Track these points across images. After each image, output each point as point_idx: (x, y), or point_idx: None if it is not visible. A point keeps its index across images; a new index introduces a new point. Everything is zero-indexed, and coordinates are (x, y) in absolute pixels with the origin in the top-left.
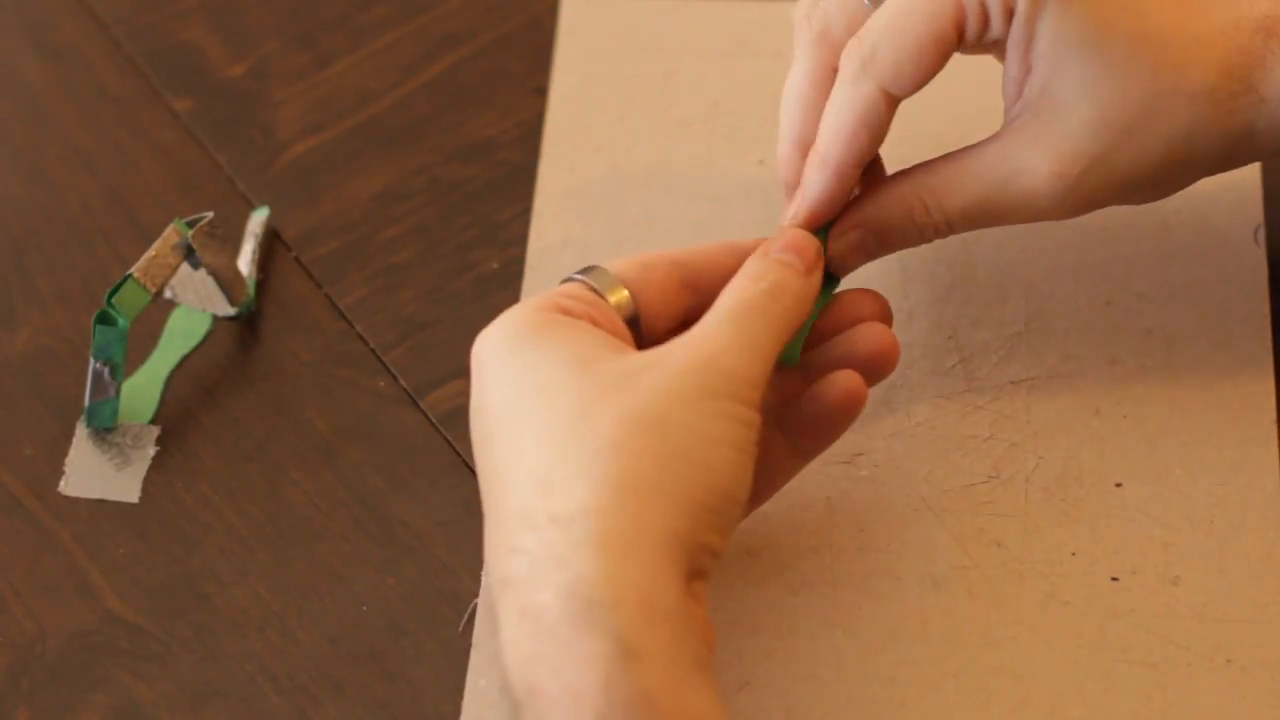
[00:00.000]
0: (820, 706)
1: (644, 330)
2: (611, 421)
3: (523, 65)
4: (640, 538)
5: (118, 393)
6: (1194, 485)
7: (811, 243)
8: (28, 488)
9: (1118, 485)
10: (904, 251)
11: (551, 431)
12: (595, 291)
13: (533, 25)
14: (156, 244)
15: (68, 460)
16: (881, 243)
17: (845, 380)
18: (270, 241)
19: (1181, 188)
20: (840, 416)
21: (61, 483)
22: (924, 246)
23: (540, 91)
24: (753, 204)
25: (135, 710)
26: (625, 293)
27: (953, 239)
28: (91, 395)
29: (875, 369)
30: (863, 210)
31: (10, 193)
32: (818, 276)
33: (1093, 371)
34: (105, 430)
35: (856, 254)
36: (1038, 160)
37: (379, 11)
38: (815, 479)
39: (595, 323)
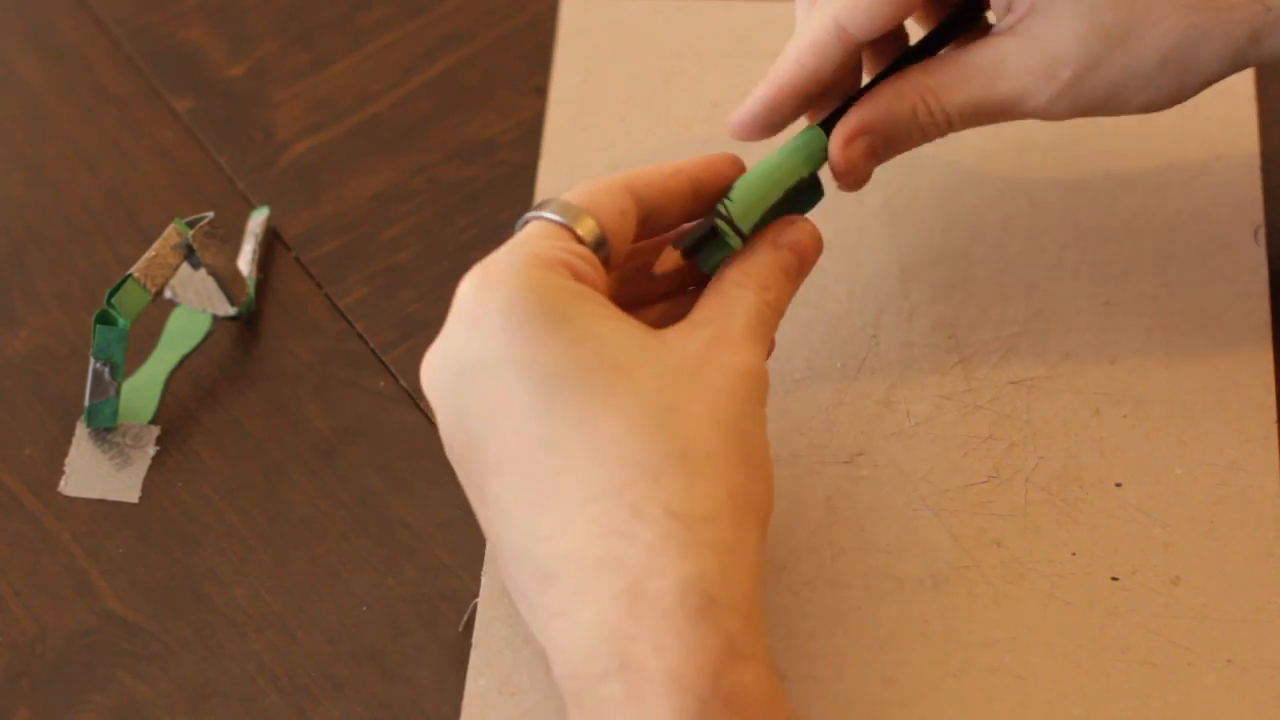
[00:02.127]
0: (820, 706)
1: (614, 254)
2: (709, 423)
3: (523, 65)
4: (746, 548)
5: (118, 393)
6: (1194, 485)
7: (816, 242)
8: (28, 488)
9: (1118, 485)
10: (904, 251)
11: (643, 420)
12: (570, 231)
13: (533, 25)
14: (156, 244)
15: (68, 460)
16: (888, 145)
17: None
18: (270, 241)
19: (1188, 95)
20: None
21: (61, 483)
22: (924, 246)
23: (540, 91)
24: None
25: (135, 710)
26: (594, 223)
27: (952, 238)
28: (91, 395)
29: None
30: (869, 115)
31: (10, 193)
32: (806, 275)
33: (1093, 371)
34: (105, 430)
35: (867, 159)
36: (1030, 64)
37: (379, 11)
38: (815, 479)
39: (592, 282)
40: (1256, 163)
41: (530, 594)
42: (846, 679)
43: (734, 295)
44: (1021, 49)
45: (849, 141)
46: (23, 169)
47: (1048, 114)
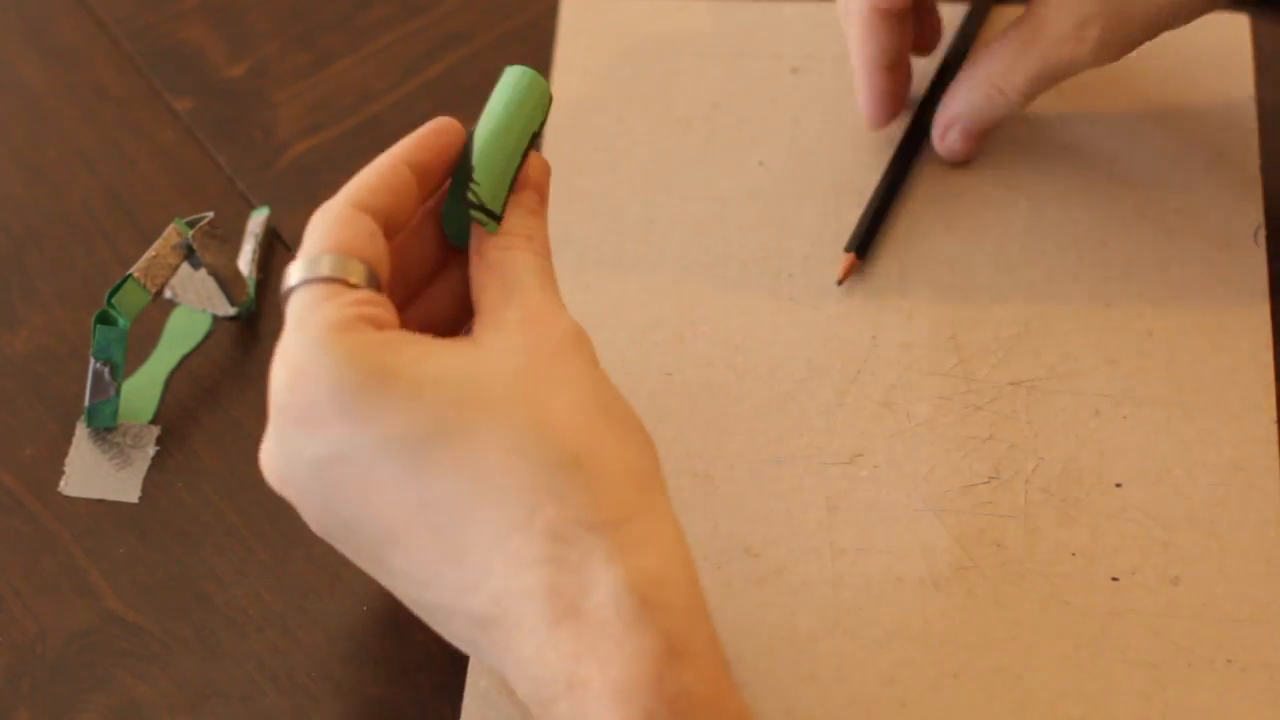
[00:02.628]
0: (820, 706)
1: (382, 282)
2: (574, 417)
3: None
4: (664, 526)
5: (118, 393)
6: (1194, 485)
7: (546, 171)
8: (28, 488)
9: (1118, 485)
10: (904, 250)
11: (516, 442)
12: (341, 282)
13: (533, 25)
14: (156, 244)
15: (68, 460)
16: (979, 126)
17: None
18: (270, 241)
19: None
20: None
21: (61, 483)
22: (923, 246)
23: None
24: (753, 204)
25: (135, 710)
26: (358, 263)
27: (952, 238)
28: (91, 395)
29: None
30: (954, 108)
31: (10, 193)
32: (545, 200)
33: (1093, 371)
34: (105, 430)
35: (965, 143)
36: (1064, 29)
37: (379, 11)
38: (815, 479)
39: (386, 322)
40: (1256, 163)
41: (473, 640)
42: (846, 679)
43: (509, 261)
44: (1053, 16)
45: (944, 134)
46: (23, 169)
47: (1099, 63)
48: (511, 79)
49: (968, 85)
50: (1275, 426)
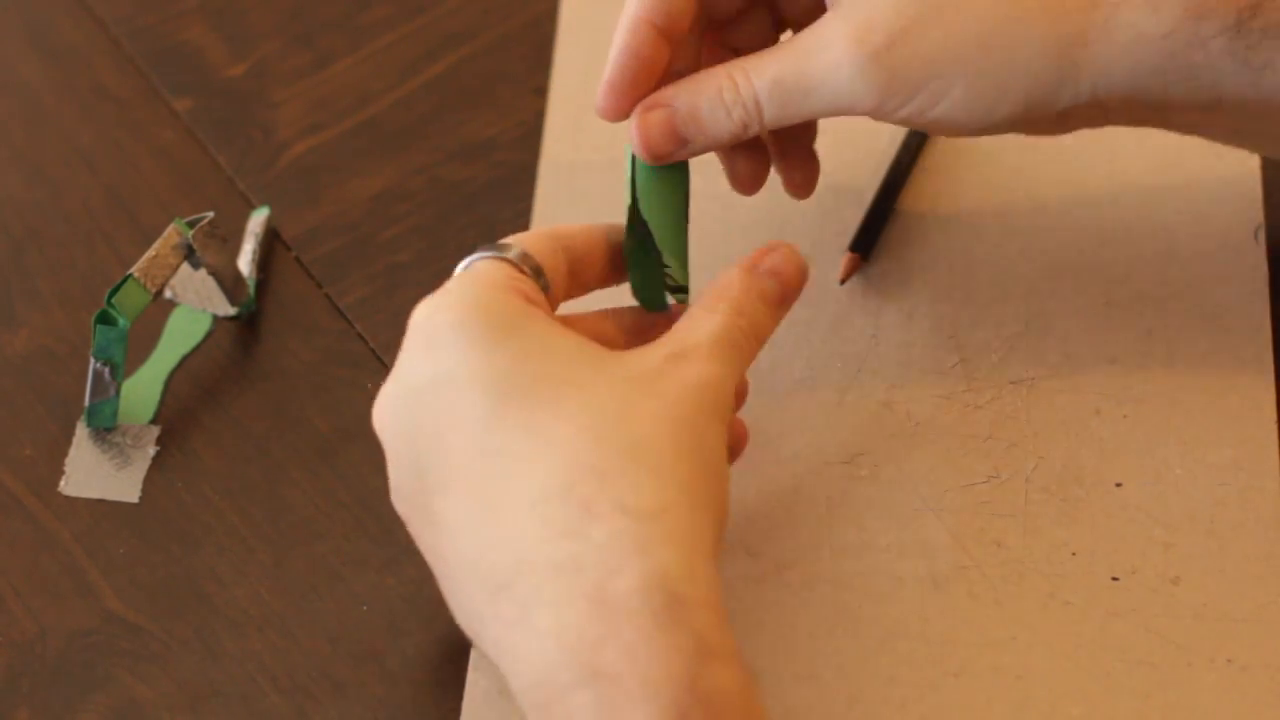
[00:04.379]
0: (820, 706)
1: (552, 300)
2: (656, 423)
3: (523, 65)
4: (704, 541)
5: (118, 393)
6: (1194, 485)
7: (799, 270)
8: (28, 488)
9: (1118, 485)
10: (904, 250)
11: (590, 421)
12: (513, 264)
13: (533, 25)
14: (157, 244)
15: (68, 460)
16: (693, 122)
17: (737, 427)
18: (270, 241)
19: (1010, 105)
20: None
21: (61, 483)
22: (923, 246)
23: (540, 92)
24: (753, 204)
25: (135, 710)
26: (534, 258)
27: (952, 238)
28: (91, 395)
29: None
30: (676, 87)
31: (10, 193)
32: (791, 303)
33: (1093, 371)
34: (105, 430)
35: (665, 138)
36: (844, 28)
37: (379, 11)
38: (815, 479)
39: (538, 302)
40: (1256, 163)
41: (481, 609)
42: (846, 679)
43: (701, 319)
44: (838, 18)
45: (649, 108)
46: (23, 169)
47: (855, 88)
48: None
49: (708, 70)
50: (1275, 426)
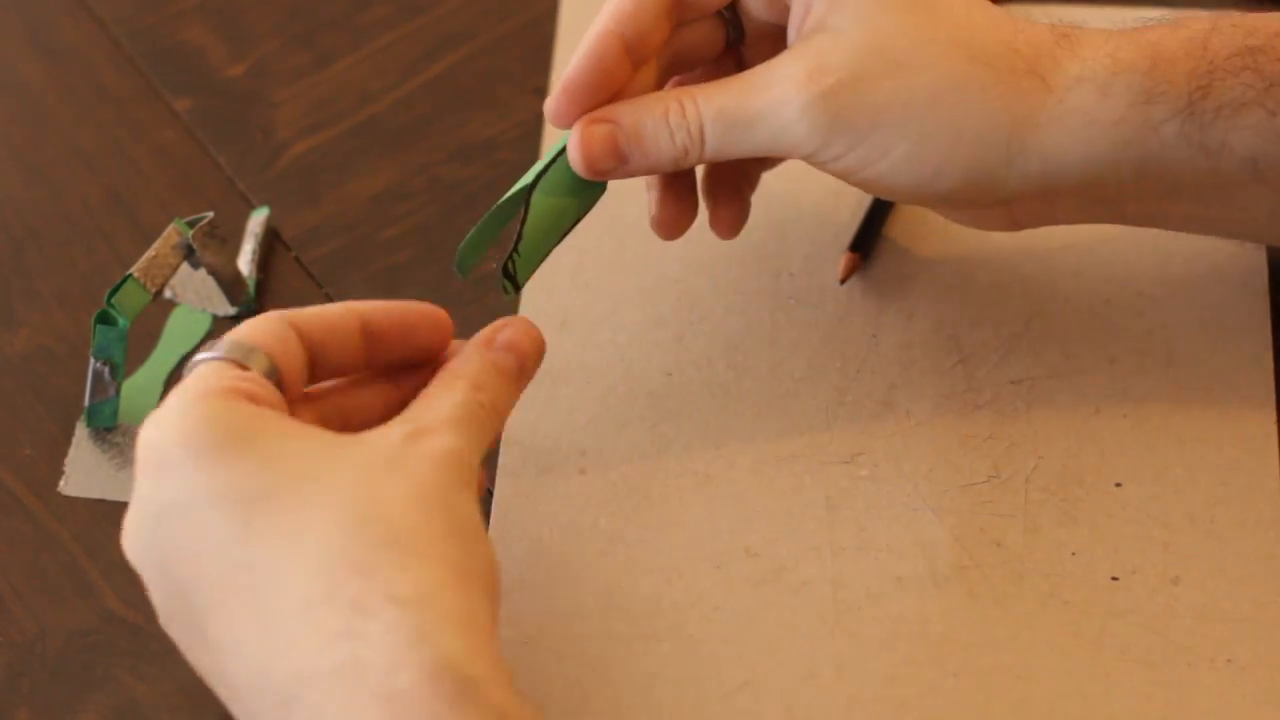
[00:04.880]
0: (820, 706)
1: (289, 389)
2: (412, 504)
3: (523, 65)
4: (482, 616)
5: (118, 393)
6: (1194, 485)
7: (535, 343)
8: (28, 488)
9: (1118, 485)
10: (904, 250)
11: (344, 516)
12: (238, 364)
13: (532, 25)
14: (156, 244)
15: (68, 460)
16: (636, 143)
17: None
18: (270, 241)
19: (957, 168)
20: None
21: (61, 483)
22: (923, 245)
23: (540, 92)
24: (753, 204)
25: (135, 710)
26: (262, 355)
27: (953, 240)
28: (91, 395)
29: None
30: (623, 106)
31: (10, 193)
32: (530, 375)
33: (1093, 371)
34: (105, 430)
35: (606, 150)
36: (796, 69)
37: (379, 11)
38: (815, 479)
39: (272, 404)
40: None
41: None
42: (846, 679)
43: (439, 395)
44: (793, 58)
45: (595, 120)
46: (23, 169)
47: (799, 126)
48: (552, 163)
49: (657, 93)
50: (1275, 426)
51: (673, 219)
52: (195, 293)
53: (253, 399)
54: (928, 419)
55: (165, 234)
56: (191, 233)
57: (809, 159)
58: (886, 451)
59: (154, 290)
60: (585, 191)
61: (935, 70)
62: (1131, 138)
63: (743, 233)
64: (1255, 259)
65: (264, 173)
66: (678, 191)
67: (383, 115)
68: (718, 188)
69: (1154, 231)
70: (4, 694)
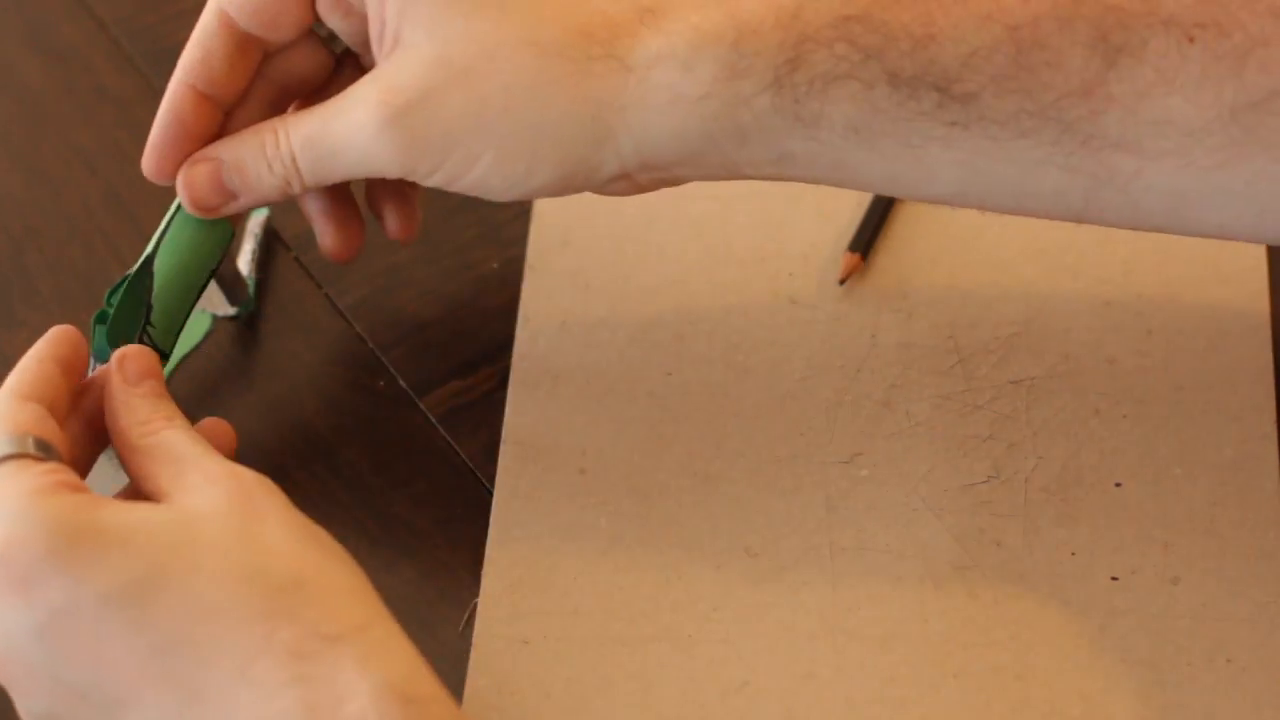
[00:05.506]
0: (820, 706)
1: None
2: (288, 546)
3: None
4: (402, 637)
5: None
6: (1194, 485)
7: (153, 365)
8: None
9: (1118, 485)
10: (904, 250)
11: (233, 571)
12: (25, 457)
13: None
14: None
15: None
16: (240, 176)
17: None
18: (270, 241)
19: (546, 171)
20: None
21: None
22: (923, 246)
23: None
24: (752, 204)
25: None
26: (32, 439)
27: (953, 240)
28: None
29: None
30: (226, 141)
31: (10, 193)
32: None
33: (1093, 371)
34: None
35: (211, 190)
36: (370, 91)
37: None
38: (815, 479)
39: (79, 487)
40: None
41: None
42: (846, 679)
43: (165, 442)
44: (370, 80)
45: (195, 162)
46: (23, 169)
47: (376, 148)
48: (193, 219)
49: (258, 126)
50: (1275, 426)
51: (340, 242)
52: None
53: (70, 488)
54: (927, 419)
55: None
56: None
57: (401, 178)
58: (886, 452)
59: None
60: (210, 239)
61: (505, 73)
62: (721, 111)
63: (743, 233)
64: (1255, 259)
65: None
66: (337, 215)
67: None
68: (328, 208)
69: (1154, 233)
70: (4, 694)
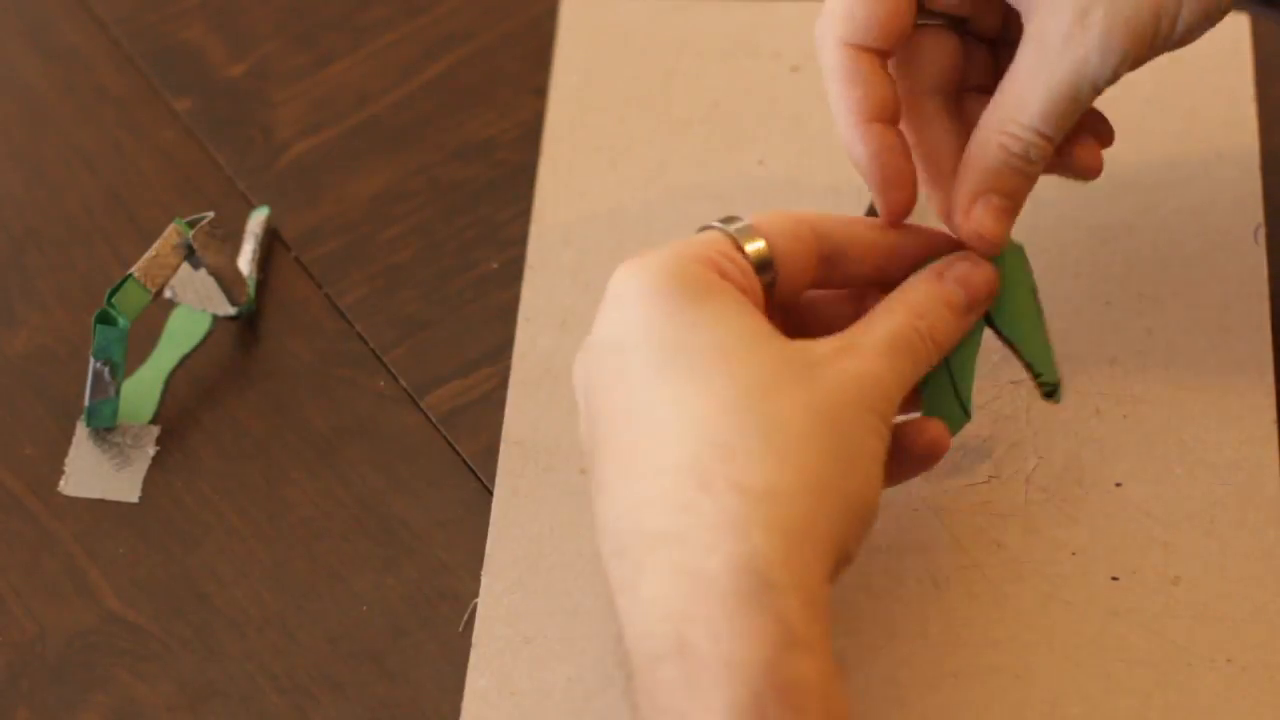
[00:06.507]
0: None
1: (778, 291)
2: (798, 408)
3: (523, 65)
4: (814, 531)
5: (118, 393)
6: (1194, 485)
7: (986, 279)
8: (28, 488)
9: (1118, 485)
10: None
11: (733, 398)
12: (736, 245)
13: (533, 25)
14: (157, 244)
15: (68, 460)
16: (1007, 195)
17: (932, 428)
18: (270, 241)
19: None
20: (923, 462)
21: (61, 483)
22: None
23: (540, 92)
24: (753, 204)
25: (135, 710)
26: (762, 243)
27: None
28: (91, 395)
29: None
30: (972, 179)
31: (10, 193)
32: (979, 312)
33: (1093, 371)
34: (105, 430)
35: (998, 220)
36: (1063, 28)
37: (379, 11)
38: None
39: (741, 289)
40: (1256, 163)
41: (608, 569)
42: (847, 679)
43: (878, 318)
44: (1051, 21)
45: (968, 211)
46: (23, 169)
47: (1109, 66)
48: (1012, 260)
49: (977, 148)
50: (1275, 426)
51: (1090, 155)
52: (195, 293)
53: (723, 274)
54: None
55: (165, 234)
56: (192, 233)
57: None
58: None
59: (154, 290)
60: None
61: None
62: None
63: None
64: (1255, 259)
65: (264, 173)
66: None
67: (383, 115)
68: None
69: (1154, 231)
70: (4, 694)
